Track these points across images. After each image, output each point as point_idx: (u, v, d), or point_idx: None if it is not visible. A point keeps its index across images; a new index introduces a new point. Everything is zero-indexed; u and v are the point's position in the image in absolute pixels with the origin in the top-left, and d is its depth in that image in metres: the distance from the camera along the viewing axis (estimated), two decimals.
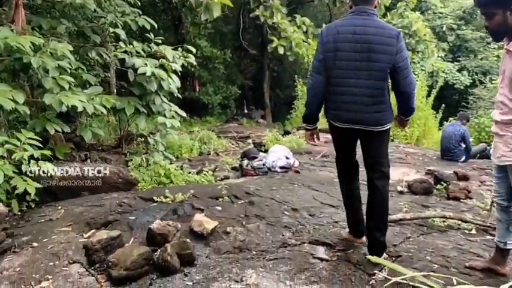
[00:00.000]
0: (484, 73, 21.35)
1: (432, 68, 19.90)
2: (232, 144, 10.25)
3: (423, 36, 19.89)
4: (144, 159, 6.39)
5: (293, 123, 14.48)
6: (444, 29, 22.71)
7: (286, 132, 10.78)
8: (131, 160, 6.50)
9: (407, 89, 3.06)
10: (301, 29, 15.86)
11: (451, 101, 19.02)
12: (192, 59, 7.47)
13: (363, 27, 3.00)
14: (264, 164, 6.68)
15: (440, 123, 14.05)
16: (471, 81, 21.02)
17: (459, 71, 21.47)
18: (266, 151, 8.96)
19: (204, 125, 17.03)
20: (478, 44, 22.66)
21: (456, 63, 21.98)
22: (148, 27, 7.06)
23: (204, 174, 6.14)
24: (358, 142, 3.30)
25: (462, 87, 20.49)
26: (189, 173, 6.22)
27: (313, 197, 5.42)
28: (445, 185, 5.87)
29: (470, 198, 5.57)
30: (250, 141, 10.44)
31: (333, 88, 3.11)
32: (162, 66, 6.79)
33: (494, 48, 22.25)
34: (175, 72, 6.88)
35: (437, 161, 8.00)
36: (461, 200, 5.49)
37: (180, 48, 7.48)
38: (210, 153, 8.91)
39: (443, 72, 20.21)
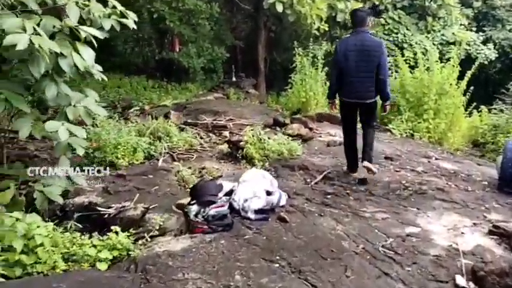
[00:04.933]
0: None
1: (454, 38, 16.98)
2: (202, 138, 7.52)
3: (446, 0, 16.96)
4: (18, 194, 3.71)
5: (288, 104, 11.60)
6: None
7: (278, 123, 8.05)
8: None
9: (383, 77, 5.10)
10: None
11: (473, 79, 16.11)
12: (130, 22, 4.67)
13: (360, 41, 5.10)
14: (230, 209, 4.02)
15: (469, 112, 11.33)
16: (497, 55, 18.16)
17: (484, 43, 18.46)
18: (244, 158, 6.30)
19: (182, 94, 14.26)
20: (507, 13, 19.53)
21: (481, 33, 18.91)
22: None
23: (114, 234, 3.43)
24: None
25: (486, 62, 17.57)
26: (83, 234, 3.51)
27: None
28: None
29: None
30: (226, 134, 7.72)
31: (344, 78, 5.16)
32: (71, 33, 4.02)
33: None
34: (88, 42, 4.08)
35: (494, 195, 5.35)
36: None
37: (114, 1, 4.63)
38: (161, 157, 6.19)
39: (467, 44, 17.27)
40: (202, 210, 3.84)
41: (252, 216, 4.13)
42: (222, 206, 3.95)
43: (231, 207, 4.13)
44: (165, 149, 6.44)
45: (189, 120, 8.69)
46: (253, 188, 4.28)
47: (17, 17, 3.70)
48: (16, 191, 3.80)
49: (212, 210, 3.85)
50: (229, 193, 4.31)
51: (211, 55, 15.68)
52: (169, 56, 15.13)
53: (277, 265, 3.38)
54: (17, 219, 2.97)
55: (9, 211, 3.68)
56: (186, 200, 4.34)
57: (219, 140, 7.53)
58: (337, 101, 5.71)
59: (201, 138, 7.53)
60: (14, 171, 4.17)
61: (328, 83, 7.81)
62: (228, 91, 14.64)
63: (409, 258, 3.66)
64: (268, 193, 4.37)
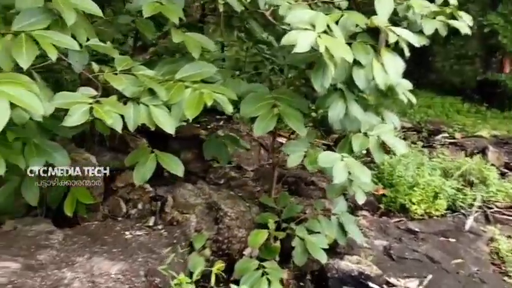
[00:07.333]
0: None
1: None
2: None
3: None
4: (273, 238, 2.85)
5: None
6: None
7: None
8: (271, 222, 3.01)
9: None
10: None
11: None
12: (463, 25, 3.27)
13: None
14: None
15: None
16: None
17: None
18: None
19: (503, 123, 11.75)
20: None
21: None
22: None
23: None
24: None
25: None
26: None
27: None
28: None
29: None
30: None
31: None
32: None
33: None
34: (398, 50, 2.88)
35: None
36: None
37: None
38: (472, 213, 4.54)
39: None
40: None
41: None
42: None
43: None
44: (477, 201, 4.75)
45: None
46: None
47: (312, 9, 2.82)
48: (273, 232, 2.95)
49: None
50: None
51: None
52: (495, 77, 12.79)
53: None
54: None
55: (260, 257, 2.90)
56: None
57: None
58: None
59: None
60: (281, 201, 3.36)
61: None
62: None
63: None
64: None
